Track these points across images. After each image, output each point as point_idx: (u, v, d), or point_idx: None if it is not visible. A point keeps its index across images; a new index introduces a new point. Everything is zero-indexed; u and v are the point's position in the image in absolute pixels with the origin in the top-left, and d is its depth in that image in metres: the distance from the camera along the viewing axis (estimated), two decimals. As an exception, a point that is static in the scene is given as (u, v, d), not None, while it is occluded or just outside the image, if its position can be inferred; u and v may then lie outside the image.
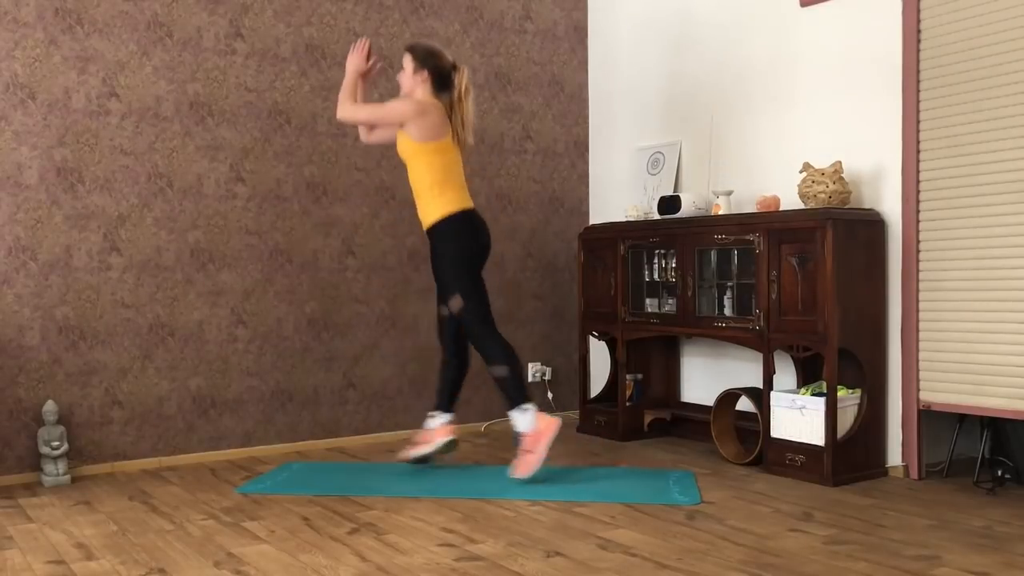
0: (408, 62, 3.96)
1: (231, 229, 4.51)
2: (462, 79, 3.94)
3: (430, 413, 4.16)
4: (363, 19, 4.84)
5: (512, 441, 3.90)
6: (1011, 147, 3.57)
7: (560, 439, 4.78)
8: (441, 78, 3.94)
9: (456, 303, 3.89)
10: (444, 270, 3.92)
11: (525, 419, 3.81)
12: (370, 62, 4.03)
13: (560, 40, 5.50)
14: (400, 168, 4.91)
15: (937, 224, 3.82)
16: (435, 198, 3.88)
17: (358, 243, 4.84)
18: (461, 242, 3.89)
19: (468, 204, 3.94)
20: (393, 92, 4.58)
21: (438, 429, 4.09)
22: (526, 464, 3.79)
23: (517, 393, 3.84)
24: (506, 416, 4.06)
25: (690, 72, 4.92)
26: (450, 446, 4.09)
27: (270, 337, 4.61)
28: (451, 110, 3.93)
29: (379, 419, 4.90)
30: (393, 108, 3.91)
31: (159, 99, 4.33)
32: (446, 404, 4.11)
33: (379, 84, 4.83)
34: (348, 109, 3.95)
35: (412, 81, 3.95)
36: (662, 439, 4.82)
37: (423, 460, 4.11)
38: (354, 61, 3.99)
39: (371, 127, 4.09)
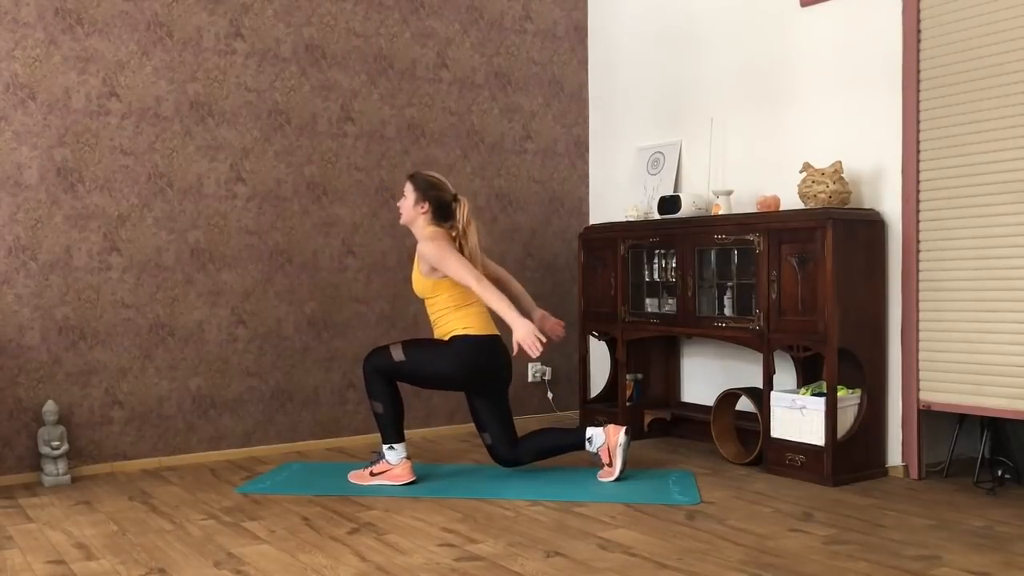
0: (409, 192, 3.95)
1: (231, 229, 4.51)
2: (464, 211, 3.93)
3: (390, 446, 3.89)
4: (363, 19, 4.84)
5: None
6: (1011, 147, 3.57)
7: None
8: (441, 209, 3.94)
9: (486, 439, 3.95)
10: (431, 358, 3.85)
11: (595, 441, 3.89)
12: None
13: (560, 40, 5.50)
14: (401, 168, 4.92)
15: (937, 224, 3.82)
16: (456, 321, 3.85)
17: (358, 243, 4.84)
18: (472, 369, 3.84)
19: (490, 331, 3.89)
20: (385, 100, 4.57)
21: (401, 465, 3.88)
22: (608, 474, 3.88)
23: (573, 441, 3.95)
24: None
25: (690, 72, 4.92)
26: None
27: (270, 337, 4.61)
28: (461, 236, 3.94)
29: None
30: (445, 252, 3.77)
31: (159, 99, 4.33)
32: (401, 434, 3.92)
33: (355, 81, 4.83)
34: (478, 287, 3.69)
35: (412, 211, 3.94)
36: (662, 439, 4.82)
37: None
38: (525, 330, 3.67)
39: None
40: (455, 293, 3.87)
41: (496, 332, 3.94)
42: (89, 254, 4.18)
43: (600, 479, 3.89)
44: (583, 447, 3.93)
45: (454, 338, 3.86)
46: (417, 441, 4.84)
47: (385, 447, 3.89)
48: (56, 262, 4.12)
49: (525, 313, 4.04)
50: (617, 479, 3.86)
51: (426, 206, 3.92)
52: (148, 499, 3.72)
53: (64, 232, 4.13)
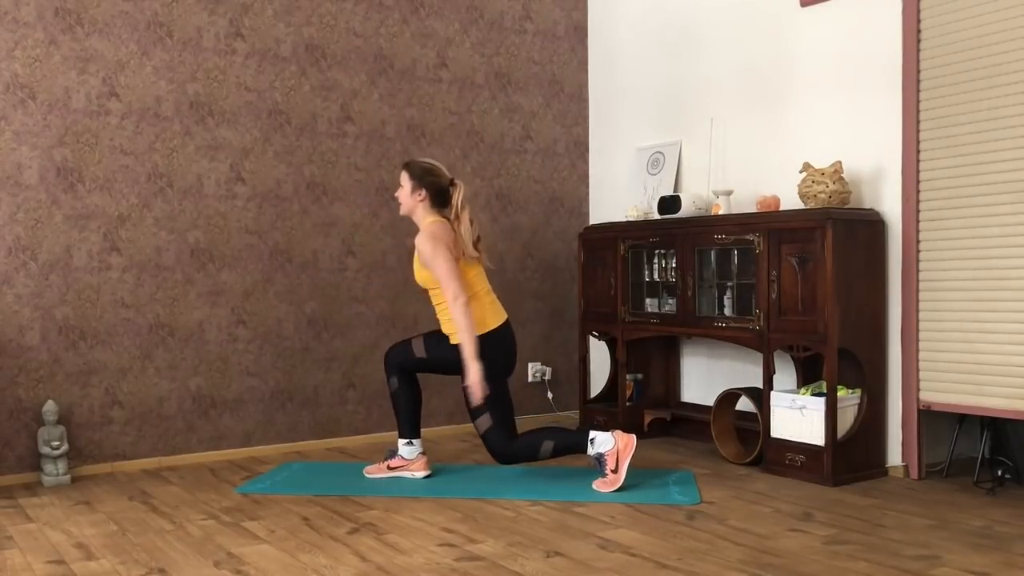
0: (405, 180, 3.91)
1: (231, 229, 4.51)
2: (459, 196, 3.89)
3: (401, 440, 3.97)
4: (363, 19, 4.84)
5: (593, 464, 3.85)
6: (1011, 147, 3.57)
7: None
8: (439, 196, 3.91)
9: (483, 423, 3.82)
10: (452, 351, 3.83)
11: (599, 442, 3.74)
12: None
13: (560, 40, 5.50)
14: (401, 168, 4.91)
15: (937, 224, 3.82)
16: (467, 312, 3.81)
17: (358, 243, 4.84)
18: (491, 363, 3.78)
19: (500, 318, 3.87)
20: (384, 98, 4.58)
21: (414, 460, 3.97)
22: (610, 483, 3.69)
23: (577, 441, 3.79)
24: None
25: (690, 72, 4.92)
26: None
27: (270, 337, 4.61)
28: (456, 220, 3.89)
29: (379, 419, 4.90)
30: (437, 251, 3.75)
31: (159, 99, 4.33)
32: (412, 430, 3.98)
33: (355, 81, 4.83)
34: (455, 304, 3.71)
35: (411, 200, 3.91)
36: (662, 439, 4.82)
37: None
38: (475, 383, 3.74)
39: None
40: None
41: (504, 317, 3.89)
42: (89, 254, 4.18)
43: (597, 488, 3.70)
44: (585, 449, 3.77)
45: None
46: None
47: (402, 442, 3.93)
48: (56, 262, 4.12)
49: None
50: (619, 489, 3.70)
51: (423, 193, 3.89)
52: (148, 499, 3.72)
53: (64, 232, 4.13)
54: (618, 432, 3.74)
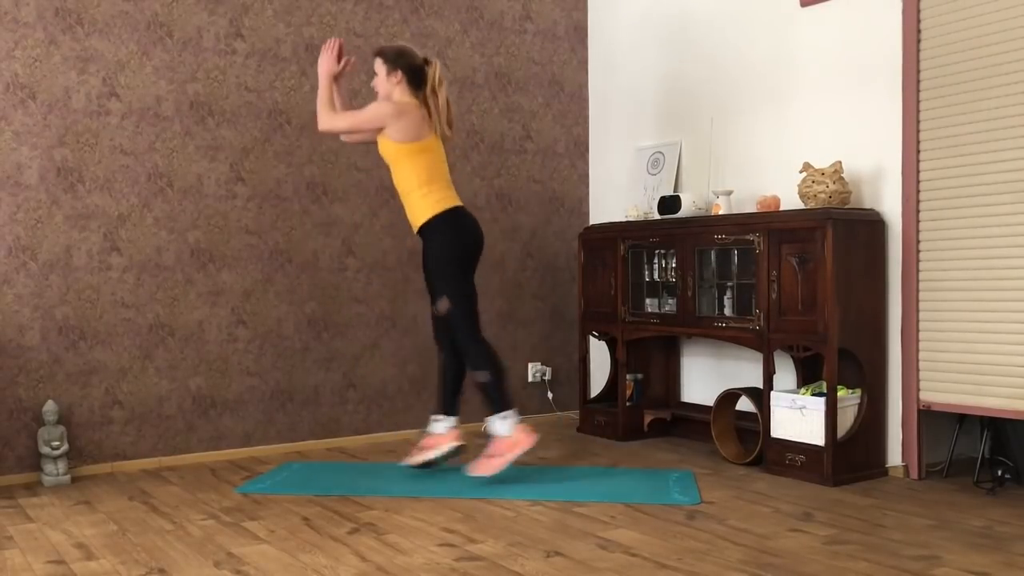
0: (379, 66, 3.92)
1: (231, 229, 4.51)
2: (435, 72, 3.89)
3: (434, 416, 4.11)
4: (363, 19, 4.84)
5: (487, 441, 3.92)
6: (1011, 147, 3.57)
7: (560, 439, 4.79)
8: (415, 76, 3.90)
9: (444, 304, 3.86)
10: (434, 271, 3.90)
11: (504, 426, 3.79)
12: (342, 63, 3.97)
13: (560, 40, 5.50)
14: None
15: (937, 224, 3.82)
16: (423, 198, 3.85)
17: (358, 243, 4.84)
18: (451, 241, 3.85)
19: (456, 202, 3.90)
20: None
21: (445, 434, 4.05)
22: (487, 466, 3.78)
23: (499, 399, 3.81)
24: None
25: (690, 72, 4.92)
26: (458, 451, 4.03)
27: (270, 337, 4.61)
28: (427, 104, 3.89)
29: (379, 419, 4.90)
30: (372, 113, 3.86)
31: (159, 99, 4.33)
32: (450, 406, 4.07)
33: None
34: (327, 119, 3.89)
35: (387, 84, 3.91)
36: (662, 439, 4.82)
37: (428, 465, 4.05)
38: (325, 64, 3.92)
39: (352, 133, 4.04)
40: (418, 165, 3.83)
41: (459, 203, 3.92)
42: (89, 254, 4.18)
43: (470, 472, 3.79)
44: (498, 411, 3.78)
45: (428, 225, 3.83)
46: (417, 441, 4.84)
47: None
48: (56, 262, 4.12)
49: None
50: (422, 465, 3.91)
51: (399, 74, 3.88)
52: (148, 499, 3.72)
53: (64, 232, 4.13)
54: (523, 427, 3.79)
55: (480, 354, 3.85)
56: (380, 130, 3.87)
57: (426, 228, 3.87)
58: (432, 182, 3.86)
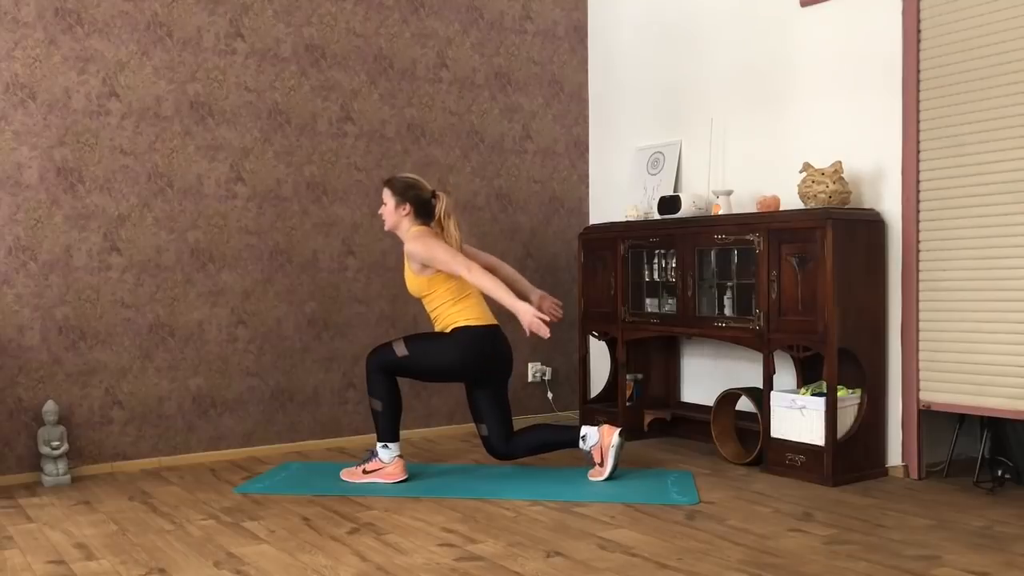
0: (388, 197, 3.96)
1: (231, 229, 4.51)
2: (441, 206, 3.95)
3: (384, 444, 3.90)
4: (363, 19, 4.84)
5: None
6: (1011, 147, 3.57)
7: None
8: (423, 207, 3.96)
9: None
10: (434, 351, 3.88)
11: (588, 439, 3.90)
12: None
13: (560, 40, 5.50)
14: (401, 168, 4.91)
15: (937, 224, 3.82)
16: (456, 313, 3.89)
17: (358, 243, 4.84)
18: (466, 351, 3.86)
19: (490, 320, 3.94)
20: (385, 100, 4.59)
21: (394, 464, 3.90)
22: (598, 473, 3.88)
23: (569, 438, 3.94)
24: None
25: (690, 72, 4.92)
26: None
27: (270, 337, 4.61)
28: (440, 229, 3.96)
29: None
30: (430, 244, 3.83)
31: (159, 99, 4.33)
32: (395, 433, 3.94)
33: (355, 81, 4.83)
34: (471, 272, 3.76)
35: (395, 215, 3.96)
36: (662, 439, 4.82)
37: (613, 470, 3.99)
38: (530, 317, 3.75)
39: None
40: (451, 287, 3.90)
41: (495, 322, 3.97)
42: (89, 254, 4.18)
43: (590, 478, 3.90)
44: (577, 444, 3.93)
45: (456, 329, 3.88)
46: (417, 441, 4.84)
47: (379, 445, 3.90)
48: (56, 262, 4.12)
49: (524, 296, 4.10)
50: (608, 478, 3.86)
51: (407, 207, 3.94)
52: (148, 499, 3.72)
53: (64, 232, 4.13)
54: (604, 426, 3.92)
55: (528, 442, 3.97)
56: (416, 268, 3.88)
57: (453, 335, 3.88)
58: (467, 299, 3.92)
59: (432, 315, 3.98)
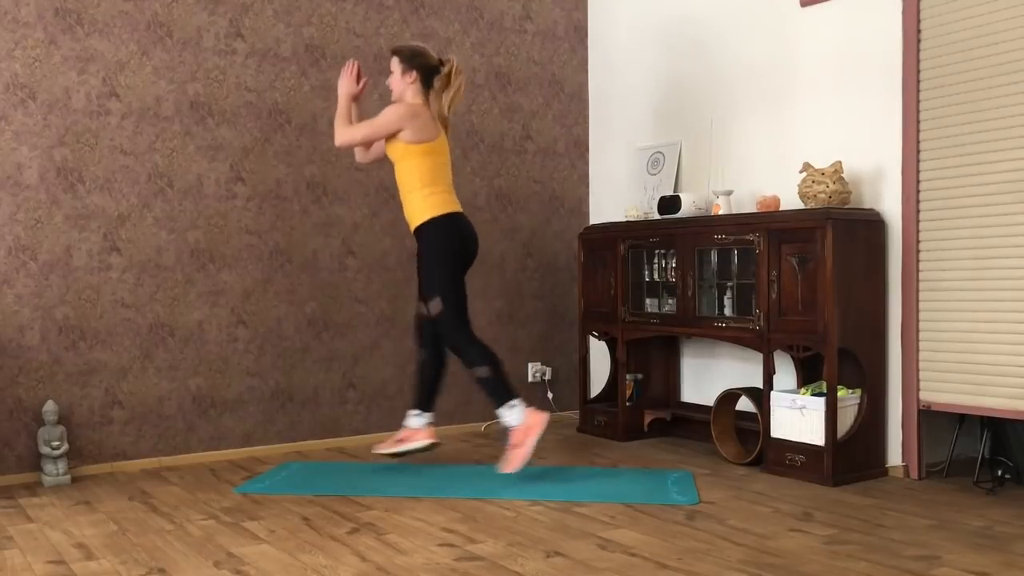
0: (395, 65, 3.98)
1: (231, 229, 4.51)
2: (452, 65, 3.97)
3: (411, 411, 4.16)
4: (363, 19, 4.84)
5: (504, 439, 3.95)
6: (1011, 147, 3.57)
7: (560, 439, 4.79)
8: (430, 76, 3.98)
9: (435, 306, 3.90)
10: (427, 272, 3.93)
11: (513, 414, 3.84)
12: (360, 83, 4.04)
13: (560, 40, 5.50)
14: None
15: (937, 224, 3.82)
16: (423, 199, 3.90)
17: (358, 243, 4.84)
18: (446, 245, 3.90)
19: (456, 207, 3.96)
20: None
21: (420, 430, 4.11)
22: (515, 458, 3.81)
23: (502, 391, 3.86)
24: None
25: (690, 72, 4.92)
26: (431, 448, 4.11)
27: (270, 337, 4.61)
28: (441, 91, 3.96)
29: (379, 419, 4.90)
30: (387, 117, 3.90)
31: (159, 99, 4.33)
32: (427, 403, 4.14)
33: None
34: (346, 133, 3.95)
35: (402, 83, 3.98)
36: (662, 439, 4.82)
37: (399, 456, 4.12)
38: (345, 85, 4.00)
39: (368, 145, 4.09)
40: (423, 166, 3.88)
41: (459, 209, 3.97)
42: (89, 254, 4.18)
43: (502, 470, 3.81)
44: (503, 402, 3.82)
45: (425, 226, 3.87)
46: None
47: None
48: (56, 262, 4.12)
49: None
50: (392, 456, 3.96)
51: (414, 75, 3.96)
52: (148, 499, 3.72)
53: (64, 232, 4.13)
54: (532, 409, 3.86)
55: (475, 351, 3.89)
56: (395, 134, 3.89)
57: (422, 229, 3.91)
58: (435, 184, 3.90)
59: (401, 190, 3.96)
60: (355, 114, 4.05)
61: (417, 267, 4.00)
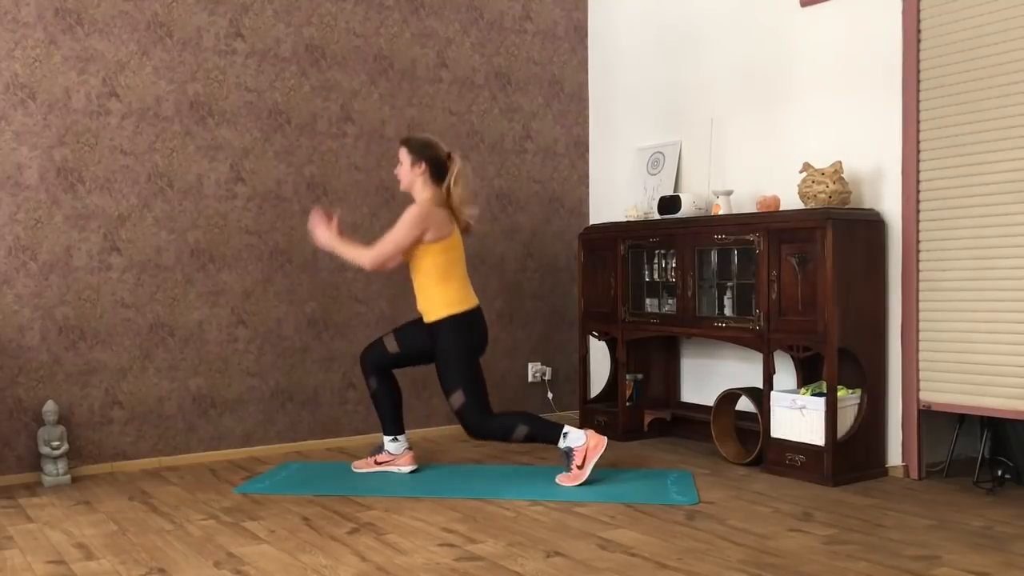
0: (404, 155, 3.97)
1: (231, 229, 4.51)
2: (454, 169, 3.96)
3: (386, 438, 4.10)
4: (363, 19, 4.84)
5: (561, 457, 3.92)
6: (1011, 147, 3.57)
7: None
8: (438, 167, 3.96)
9: (457, 399, 3.88)
10: (445, 368, 3.90)
11: (569, 439, 3.81)
12: (333, 221, 3.97)
13: (560, 40, 5.50)
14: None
15: (937, 224, 3.82)
16: (441, 295, 3.89)
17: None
18: (464, 341, 3.90)
19: (473, 302, 3.95)
20: (385, 99, 4.59)
21: (401, 455, 4.09)
22: (574, 477, 3.79)
23: (549, 432, 3.85)
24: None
25: (690, 72, 4.92)
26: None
27: (270, 337, 4.61)
28: (447, 194, 3.96)
29: (378, 419, 4.88)
30: (408, 228, 3.83)
31: (159, 99, 4.33)
32: (397, 427, 4.10)
33: (355, 81, 4.83)
34: (371, 256, 3.87)
35: (411, 174, 3.96)
36: (662, 439, 4.82)
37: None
38: (322, 233, 3.93)
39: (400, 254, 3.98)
40: (439, 263, 3.88)
41: (476, 303, 3.98)
42: (89, 254, 4.18)
43: (559, 482, 3.80)
44: (556, 441, 3.82)
45: (441, 323, 3.89)
46: (417, 441, 4.84)
47: (387, 439, 4.05)
48: (56, 262, 4.12)
49: None
50: (584, 484, 3.78)
51: (423, 166, 3.95)
52: (148, 499, 3.72)
53: (64, 232, 4.13)
54: (591, 431, 3.85)
55: (503, 424, 3.88)
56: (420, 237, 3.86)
57: (440, 325, 3.90)
58: (450, 279, 3.91)
59: (415, 283, 3.97)
60: (346, 242, 3.97)
61: (436, 359, 3.94)
